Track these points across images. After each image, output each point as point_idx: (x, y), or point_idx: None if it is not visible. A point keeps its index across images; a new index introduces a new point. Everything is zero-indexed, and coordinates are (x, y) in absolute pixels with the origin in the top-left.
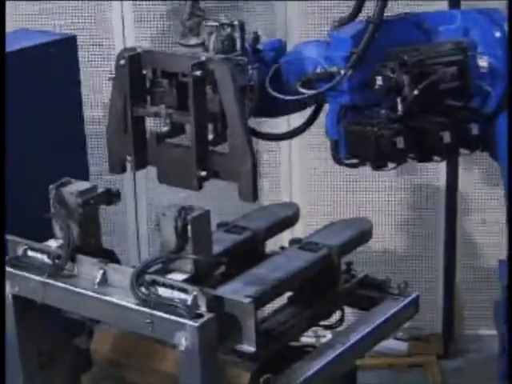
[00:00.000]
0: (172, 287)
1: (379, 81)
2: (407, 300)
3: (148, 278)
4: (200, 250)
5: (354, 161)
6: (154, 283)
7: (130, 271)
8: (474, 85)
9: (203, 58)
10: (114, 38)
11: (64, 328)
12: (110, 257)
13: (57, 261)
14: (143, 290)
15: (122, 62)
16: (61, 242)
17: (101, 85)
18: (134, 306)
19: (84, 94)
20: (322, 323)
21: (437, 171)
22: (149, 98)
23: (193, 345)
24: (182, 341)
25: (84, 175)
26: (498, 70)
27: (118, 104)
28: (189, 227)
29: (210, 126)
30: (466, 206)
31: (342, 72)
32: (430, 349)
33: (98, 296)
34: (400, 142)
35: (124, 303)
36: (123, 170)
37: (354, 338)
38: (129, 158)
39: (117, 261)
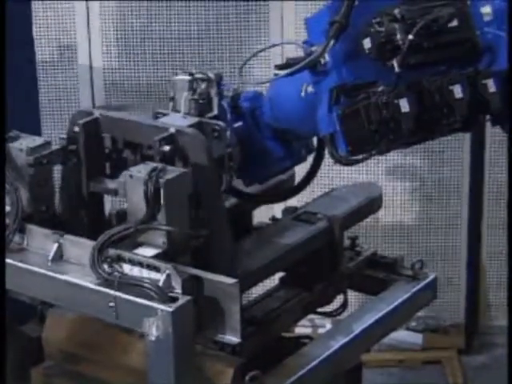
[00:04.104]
0: (140, 264)
1: (367, 43)
2: (423, 283)
3: (112, 252)
4: (174, 220)
5: (356, 157)
6: (119, 259)
7: (90, 244)
8: (480, 37)
9: (172, 130)
10: None
11: (11, 312)
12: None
13: None
14: (106, 267)
15: (76, 129)
16: (7, 208)
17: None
18: (94, 287)
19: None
20: (321, 310)
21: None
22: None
23: (165, 334)
24: (153, 329)
25: (35, 127)
26: (506, 12)
27: (70, 176)
28: (161, 192)
29: None
30: (493, 165)
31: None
32: (449, 342)
33: (52, 274)
34: (404, 106)
35: (83, 283)
36: None
37: (358, 327)
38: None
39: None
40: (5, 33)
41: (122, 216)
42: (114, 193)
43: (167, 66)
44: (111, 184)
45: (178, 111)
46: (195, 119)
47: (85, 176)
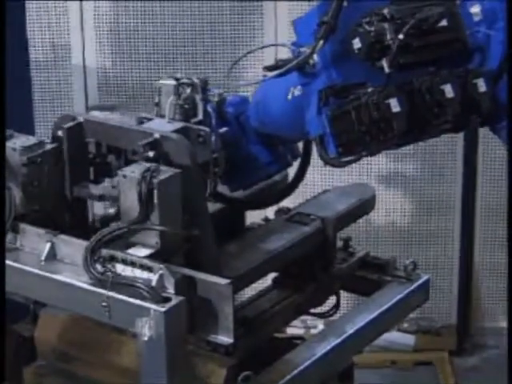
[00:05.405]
0: (133, 264)
1: (357, 43)
2: (415, 284)
3: (105, 252)
4: (167, 220)
5: (347, 158)
6: (112, 259)
7: (83, 244)
8: (470, 37)
9: (156, 136)
10: None
11: (3, 312)
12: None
13: None
14: (99, 267)
15: (60, 133)
16: None
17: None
18: (87, 287)
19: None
20: (313, 311)
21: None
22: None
23: (158, 334)
24: (145, 329)
25: (29, 126)
26: (495, 12)
27: (55, 179)
28: (155, 192)
29: None
30: (486, 177)
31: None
32: (441, 343)
33: (45, 274)
34: (395, 105)
35: (75, 283)
36: None
37: (350, 329)
38: None
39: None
40: (5, 33)
41: (106, 221)
42: (98, 198)
43: (161, 66)
44: (95, 189)
45: (163, 116)
46: (180, 124)
47: (68, 180)
